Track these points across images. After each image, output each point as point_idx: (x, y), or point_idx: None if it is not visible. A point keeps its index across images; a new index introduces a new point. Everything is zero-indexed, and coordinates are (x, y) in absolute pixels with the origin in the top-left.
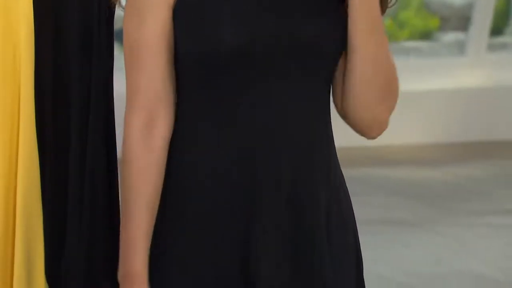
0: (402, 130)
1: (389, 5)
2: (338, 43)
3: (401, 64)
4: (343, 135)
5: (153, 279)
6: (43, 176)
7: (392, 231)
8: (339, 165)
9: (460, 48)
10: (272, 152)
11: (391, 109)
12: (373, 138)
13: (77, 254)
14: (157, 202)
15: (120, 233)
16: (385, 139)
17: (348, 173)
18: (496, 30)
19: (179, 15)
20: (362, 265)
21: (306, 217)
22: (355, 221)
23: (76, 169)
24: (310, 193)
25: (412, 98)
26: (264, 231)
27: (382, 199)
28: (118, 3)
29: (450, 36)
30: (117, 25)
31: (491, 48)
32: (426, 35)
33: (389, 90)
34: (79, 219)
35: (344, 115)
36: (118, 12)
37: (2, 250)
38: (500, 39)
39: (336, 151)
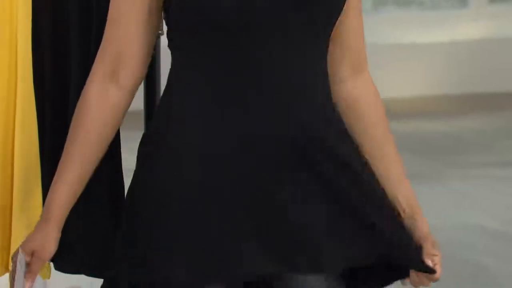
0: (403, 83)
1: None
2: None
3: (403, 16)
4: None
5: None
6: (42, 140)
7: None
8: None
9: (461, 0)
10: (280, 109)
11: None
12: None
13: (78, 219)
14: (98, 155)
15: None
16: (386, 92)
17: None
18: None
19: None
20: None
21: (319, 167)
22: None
23: None
24: (321, 147)
25: (414, 51)
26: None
27: None
28: None
29: None
30: None
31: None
32: None
33: None
34: None
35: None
36: None
37: (1, 213)
38: None
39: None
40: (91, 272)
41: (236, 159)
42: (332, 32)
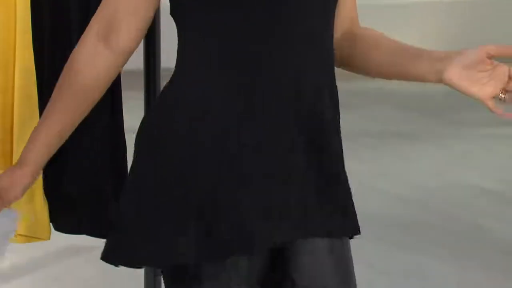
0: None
1: None
2: None
3: None
4: None
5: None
6: (41, 88)
7: (393, 144)
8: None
9: None
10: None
11: None
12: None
13: (79, 179)
14: (82, 112)
15: None
16: None
17: (350, 86)
18: None
19: None
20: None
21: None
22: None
23: None
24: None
25: (412, 8)
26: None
27: (383, 112)
28: None
29: None
30: None
31: None
32: None
33: None
34: (81, 139)
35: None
36: None
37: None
38: None
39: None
40: (92, 232)
41: (240, 130)
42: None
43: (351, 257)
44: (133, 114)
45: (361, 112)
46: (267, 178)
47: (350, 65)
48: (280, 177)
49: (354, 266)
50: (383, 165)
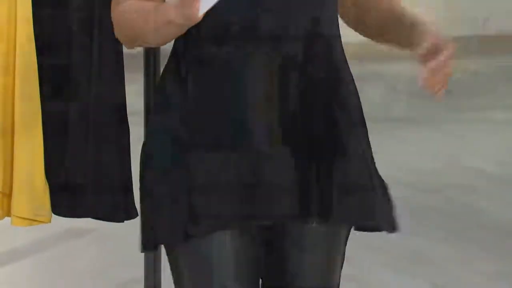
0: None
1: None
2: None
3: None
4: (342, 31)
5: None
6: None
7: (391, 128)
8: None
9: None
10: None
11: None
12: None
13: (81, 166)
14: None
15: None
16: None
17: None
18: None
19: None
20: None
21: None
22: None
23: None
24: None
25: None
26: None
27: (380, 96)
28: None
29: None
30: None
31: None
32: None
33: None
34: (84, 127)
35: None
36: None
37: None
38: None
39: None
40: (93, 214)
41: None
42: None
43: (339, 253)
44: (133, 96)
45: (361, 96)
46: (258, 165)
47: (358, 30)
48: (273, 165)
49: (353, 249)
50: (380, 149)
